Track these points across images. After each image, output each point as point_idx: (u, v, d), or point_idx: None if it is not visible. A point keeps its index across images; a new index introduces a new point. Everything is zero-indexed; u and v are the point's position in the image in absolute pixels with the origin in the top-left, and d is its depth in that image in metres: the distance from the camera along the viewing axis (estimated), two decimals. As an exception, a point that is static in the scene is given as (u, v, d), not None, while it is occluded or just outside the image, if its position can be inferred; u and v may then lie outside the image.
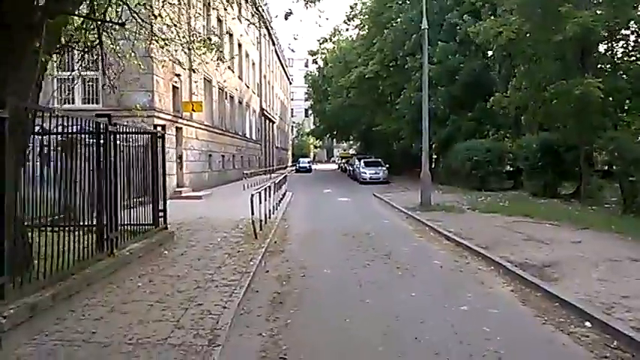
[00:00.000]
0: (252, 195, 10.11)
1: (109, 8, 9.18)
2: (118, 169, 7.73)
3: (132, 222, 8.88)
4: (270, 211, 13.95)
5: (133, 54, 11.66)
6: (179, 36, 11.80)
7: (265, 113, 47.73)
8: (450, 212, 14.63)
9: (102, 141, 7.17)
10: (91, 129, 7.17)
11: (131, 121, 17.53)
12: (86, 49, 8.86)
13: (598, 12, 12.85)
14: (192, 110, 21.35)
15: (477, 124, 27.14)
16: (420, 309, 5.89)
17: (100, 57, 11.26)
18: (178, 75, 20.08)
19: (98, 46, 9.54)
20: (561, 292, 6.20)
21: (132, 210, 9.00)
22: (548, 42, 14.38)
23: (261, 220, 11.19)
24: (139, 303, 5.72)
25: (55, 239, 5.77)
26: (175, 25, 11.46)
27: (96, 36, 9.47)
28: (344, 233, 11.31)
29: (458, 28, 25.86)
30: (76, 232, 6.58)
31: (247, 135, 38.76)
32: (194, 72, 22.45)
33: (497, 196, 19.65)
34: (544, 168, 18.16)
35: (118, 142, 7.82)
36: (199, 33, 12.29)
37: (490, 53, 25.50)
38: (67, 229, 6.34)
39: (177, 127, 20.19)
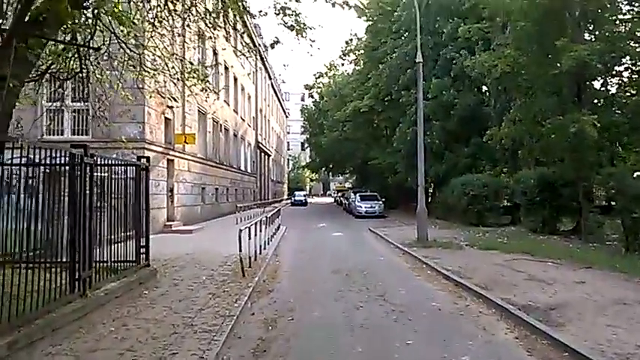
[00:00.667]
0: (241, 230, 9.62)
1: (95, 36, 8.88)
2: (94, 202, 7.24)
3: (113, 259, 8.40)
4: (261, 246, 13.47)
5: (120, 84, 11.36)
6: (168, 66, 11.54)
7: (261, 146, 47.57)
8: (447, 249, 14.15)
9: (78, 173, 6.73)
10: (63, 160, 6.72)
11: (121, 153, 17.27)
12: (68, 77, 8.42)
13: (594, 46, 12.66)
14: (185, 142, 21.01)
15: (473, 159, 26.95)
16: None
17: (85, 86, 11.01)
18: (171, 107, 19.82)
19: (85, 76, 9.19)
20: (570, 340, 5.70)
21: (114, 246, 8.51)
22: (543, 75, 14.23)
23: (250, 257, 10.69)
24: (108, 352, 5.20)
25: (20, 278, 5.28)
26: (165, 56, 11.20)
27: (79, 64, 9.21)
28: (337, 271, 10.80)
29: (453, 62, 25.91)
30: (47, 270, 6.11)
31: (242, 168, 38.44)
32: (188, 103, 22.43)
33: (495, 232, 19.23)
34: (542, 203, 17.80)
35: (95, 173, 7.34)
36: (191, 63, 11.96)
37: (485, 88, 25.56)
38: (36, 266, 5.87)
39: (168, 160, 19.81)
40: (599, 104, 15.51)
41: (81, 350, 5.21)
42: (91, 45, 8.79)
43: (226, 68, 31.54)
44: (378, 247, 16.32)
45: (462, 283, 9.26)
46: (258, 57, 47.43)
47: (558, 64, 13.39)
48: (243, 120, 38.78)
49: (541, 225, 18.24)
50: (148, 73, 11.39)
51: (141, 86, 14.24)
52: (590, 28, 15.14)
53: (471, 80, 25.08)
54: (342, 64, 54.07)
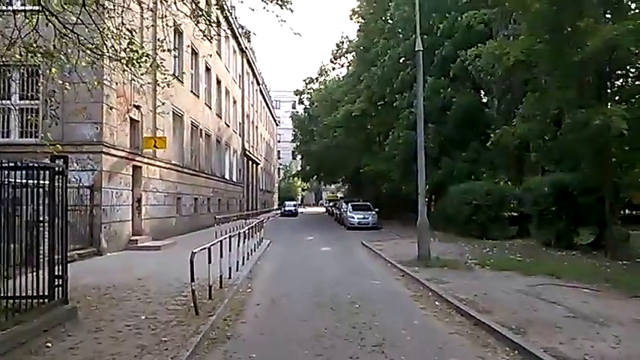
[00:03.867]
0: (194, 253, 7.36)
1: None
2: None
3: (18, 293, 6.14)
4: (234, 266, 11.23)
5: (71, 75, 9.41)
6: (116, 50, 9.43)
7: (248, 154, 45.31)
8: (454, 269, 11.94)
9: None
10: None
11: (75, 158, 15.00)
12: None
13: (625, 24, 10.54)
14: (155, 147, 18.72)
15: (472, 165, 24.80)
16: None
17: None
18: (138, 106, 17.58)
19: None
20: None
21: (22, 277, 6.25)
22: (562, 64, 12.12)
23: (210, 287, 8.42)
24: None
25: None
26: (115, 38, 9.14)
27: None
28: (321, 303, 8.54)
29: (451, 62, 23.84)
30: None
31: (227, 176, 36.13)
32: (160, 104, 20.16)
33: (503, 246, 17.08)
34: (557, 214, 15.68)
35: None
36: (142, 47, 9.75)
37: (485, 90, 23.52)
38: None
39: (134, 166, 17.50)
40: (627, 95, 13.30)
41: None
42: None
43: (207, 69, 29.40)
44: (372, 266, 14.07)
45: (483, 322, 7.04)
46: (245, 60, 45.38)
47: (580, 49, 11.30)
48: (228, 125, 36.54)
49: (555, 238, 16.13)
50: (102, 59, 9.35)
51: (96, 81, 12.03)
52: (612, 9, 13.07)
53: (472, 79, 23.06)
54: (333, 69, 52.16)
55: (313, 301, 8.76)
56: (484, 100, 24.54)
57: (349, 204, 33.68)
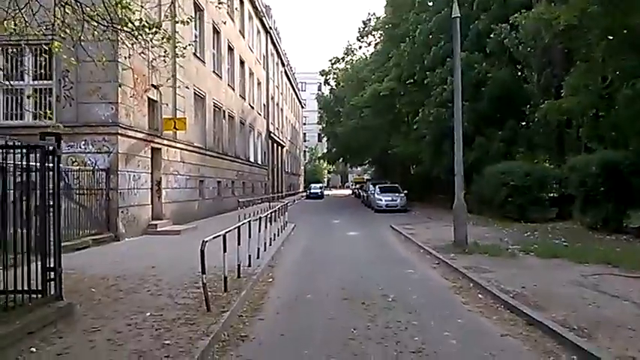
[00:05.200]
0: (205, 242, 6.51)
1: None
2: None
3: (5, 288, 5.41)
4: (255, 253, 10.42)
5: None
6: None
7: (273, 136, 44.49)
8: (496, 256, 10.85)
9: None
10: None
11: (90, 140, 14.37)
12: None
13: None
14: (175, 129, 17.96)
15: (508, 145, 23.36)
16: None
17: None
18: (156, 86, 16.80)
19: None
20: None
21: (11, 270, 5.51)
22: (621, 28, 10.75)
23: (225, 278, 7.59)
24: None
25: None
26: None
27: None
28: (350, 297, 7.61)
29: (487, 36, 22.29)
30: None
31: (251, 159, 35.42)
32: (180, 84, 19.38)
33: (545, 229, 15.88)
34: (606, 195, 14.35)
35: None
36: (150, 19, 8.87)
37: (524, 64, 21.92)
38: None
39: (153, 148, 16.79)
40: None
41: None
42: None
43: (230, 49, 28.51)
44: (404, 252, 13.06)
45: (539, 321, 6.02)
46: (269, 40, 44.32)
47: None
48: (252, 107, 35.71)
49: (602, 221, 14.82)
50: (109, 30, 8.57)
51: (106, 58, 11.30)
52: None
53: (508, 54, 21.55)
54: (360, 47, 50.66)
55: (341, 294, 7.84)
56: (521, 75, 22.96)
57: (377, 186, 32.61)
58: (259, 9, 37.78)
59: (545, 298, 7.10)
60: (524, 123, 23.73)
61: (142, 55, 9.28)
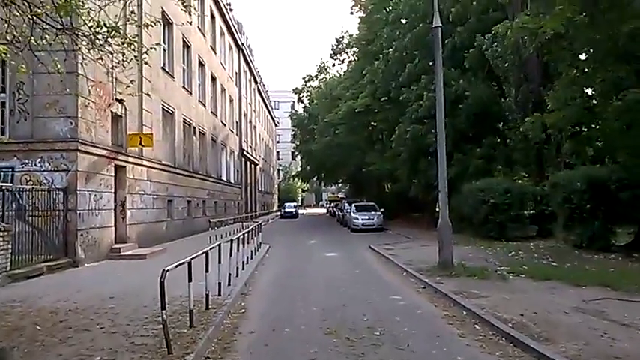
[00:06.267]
0: (165, 271, 5.60)
1: None
2: None
3: None
4: (225, 280, 9.52)
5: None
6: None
7: (246, 154, 43.56)
8: (485, 279, 10.18)
9: None
10: None
11: (47, 157, 13.26)
12: None
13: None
14: (141, 145, 16.95)
15: (487, 162, 23.00)
16: None
17: None
18: (121, 100, 15.81)
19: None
20: None
21: None
22: (609, 36, 10.35)
23: (191, 311, 6.66)
24: None
25: None
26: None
27: None
28: (333, 330, 6.75)
29: (464, 51, 22.03)
30: None
31: (224, 178, 34.37)
32: (147, 98, 18.41)
33: (528, 248, 15.40)
34: (593, 212, 13.91)
35: None
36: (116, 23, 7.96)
37: (503, 78, 21.68)
38: None
39: (117, 166, 15.73)
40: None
41: None
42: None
43: (201, 64, 27.68)
44: (386, 275, 12.27)
45: (551, 358, 5.28)
46: (242, 57, 43.65)
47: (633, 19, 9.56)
48: (224, 124, 34.80)
49: (588, 239, 14.35)
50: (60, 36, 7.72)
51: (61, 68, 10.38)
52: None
53: (486, 68, 21.31)
54: (334, 65, 50.53)
55: (322, 326, 6.98)
56: (498, 91, 22.73)
57: (353, 204, 31.89)
58: (231, 25, 37.15)
59: (550, 327, 6.40)
60: (501, 140, 23.45)
61: (100, 61, 8.41)
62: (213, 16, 31.98)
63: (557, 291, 8.79)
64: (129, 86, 14.38)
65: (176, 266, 6.09)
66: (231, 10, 36.84)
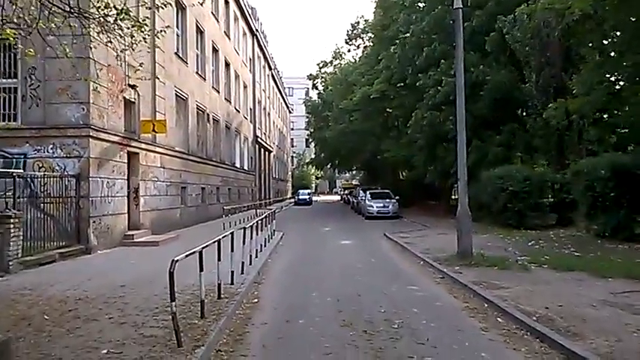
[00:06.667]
0: (175, 261, 5.37)
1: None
2: None
3: None
4: (238, 268, 9.32)
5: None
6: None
7: (260, 141, 43.33)
8: (506, 269, 9.84)
9: None
10: None
11: (59, 143, 13.12)
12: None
13: None
14: (154, 132, 16.78)
15: (506, 149, 22.46)
16: None
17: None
18: (133, 86, 15.62)
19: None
20: None
21: None
22: (637, 20, 9.83)
23: (202, 301, 6.45)
24: None
25: None
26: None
27: None
28: (349, 322, 6.49)
29: (484, 35, 21.39)
30: None
31: (237, 164, 34.23)
32: (161, 84, 18.21)
33: (549, 237, 15.00)
34: (618, 201, 13.44)
35: None
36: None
37: (523, 63, 21.03)
38: None
39: (130, 153, 15.58)
40: None
41: None
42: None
43: (215, 50, 27.38)
44: (402, 264, 11.98)
45: (582, 357, 4.97)
46: (256, 43, 43.23)
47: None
48: (238, 111, 34.57)
49: (612, 229, 13.89)
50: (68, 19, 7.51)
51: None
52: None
53: (507, 52, 20.69)
54: (349, 51, 50.01)
55: (337, 318, 6.73)
56: (519, 76, 22.07)
57: (367, 191, 31.60)
58: (245, 10, 36.73)
59: (577, 322, 6.07)
60: (521, 126, 22.86)
61: (110, 44, 8.17)
62: (227, 1, 31.61)
63: (583, 283, 8.43)
64: (139, 70, 14.29)
65: (186, 256, 5.86)
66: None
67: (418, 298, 7.98)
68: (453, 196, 35.45)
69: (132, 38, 7.91)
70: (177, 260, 5.40)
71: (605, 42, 11.67)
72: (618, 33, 10.91)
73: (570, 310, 6.67)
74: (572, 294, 7.60)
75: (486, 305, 7.33)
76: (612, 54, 11.52)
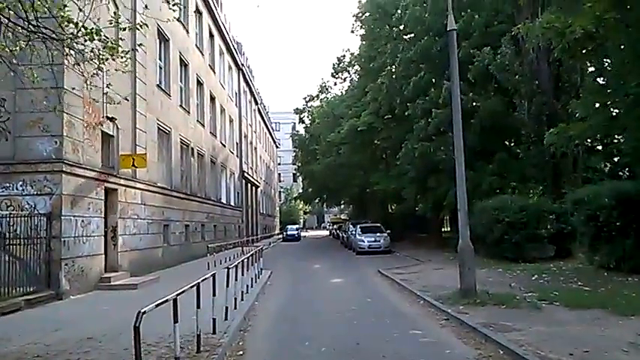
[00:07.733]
0: (142, 312, 4.49)
1: None
2: None
3: None
4: (222, 314, 8.40)
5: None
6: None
7: (246, 176, 42.55)
8: (515, 308, 9.02)
9: None
10: None
11: (29, 179, 12.22)
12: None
13: None
14: (134, 166, 15.93)
15: (499, 178, 21.92)
16: None
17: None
18: (112, 119, 14.86)
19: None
20: None
21: None
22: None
23: (177, 359, 5.54)
24: None
25: None
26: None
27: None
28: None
29: (468, 64, 21.12)
30: None
31: (224, 200, 33.30)
32: (141, 117, 17.50)
33: (551, 270, 14.26)
34: (623, 231, 12.78)
35: None
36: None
37: (512, 92, 20.74)
38: None
39: (108, 189, 14.68)
40: None
41: None
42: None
43: (199, 83, 26.84)
44: (402, 305, 11.08)
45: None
46: (242, 77, 42.98)
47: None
48: (224, 145, 33.87)
49: (617, 260, 13.20)
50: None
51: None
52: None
53: (494, 81, 20.38)
54: (335, 84, 49.82)
55: (334, 374, 5.85)
56: (510, 104, 21.77)
57: (358, 226, 30.74)
58: (230, 45, 36.52)
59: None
60: (514, 154, 22.42)
61: (78, 68, 7.47)
62: (212, 35, 31.31)
63: (603, 322, 7.64)
64: (119, 103, 13.56)
65: (156, 306, 4.98)
66: (228, 32, 36.16)
67: (425, 346, 7.10)
68: (444, 229, 34.89)
69: (104, 62, 7.22)
70: (144, 312, 4.54)
71: (606, 62, 11.22)
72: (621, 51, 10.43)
73: (600, 357, 5.88)
74: (596, 336, 6.80)
75: (502, 352, 6.48)
76: (614, 75, 11.01)
